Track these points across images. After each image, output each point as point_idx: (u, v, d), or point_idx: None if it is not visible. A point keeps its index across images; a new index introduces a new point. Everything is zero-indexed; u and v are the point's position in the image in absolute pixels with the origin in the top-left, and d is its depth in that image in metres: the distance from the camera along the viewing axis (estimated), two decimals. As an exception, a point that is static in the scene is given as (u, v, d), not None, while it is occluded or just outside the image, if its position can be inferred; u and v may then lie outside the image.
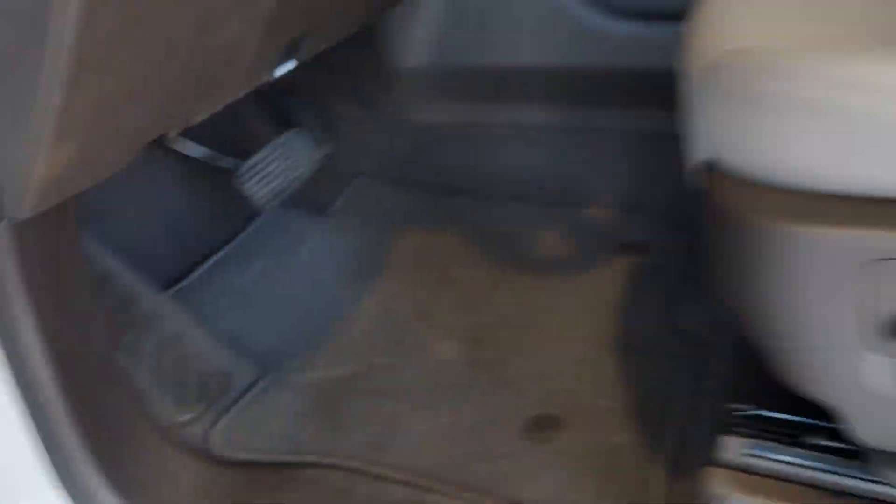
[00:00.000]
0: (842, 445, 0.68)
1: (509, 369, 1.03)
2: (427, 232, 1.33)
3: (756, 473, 0.69)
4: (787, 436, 0.70)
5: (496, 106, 1.33)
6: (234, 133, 1.22)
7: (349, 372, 1.06)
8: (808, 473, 0.68)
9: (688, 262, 1.14)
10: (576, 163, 1.31)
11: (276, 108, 1.33)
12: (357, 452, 0.92)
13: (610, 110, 1.24)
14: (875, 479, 0.66)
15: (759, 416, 0.72)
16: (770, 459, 0.69)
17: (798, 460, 0.69)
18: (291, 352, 1.10)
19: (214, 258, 1.21)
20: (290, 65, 0.91)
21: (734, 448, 0.71)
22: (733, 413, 0.74)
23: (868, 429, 0.59)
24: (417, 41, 1.30)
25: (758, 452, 0.70)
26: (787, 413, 0.72)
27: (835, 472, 0.68)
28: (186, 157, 1.12)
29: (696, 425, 0.84)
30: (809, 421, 0.71)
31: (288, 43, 0.85)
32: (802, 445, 0.69)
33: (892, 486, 0.65)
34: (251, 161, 1.14)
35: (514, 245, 1.27)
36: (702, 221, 0.64)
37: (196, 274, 1.17)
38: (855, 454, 0.67)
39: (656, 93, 1.05)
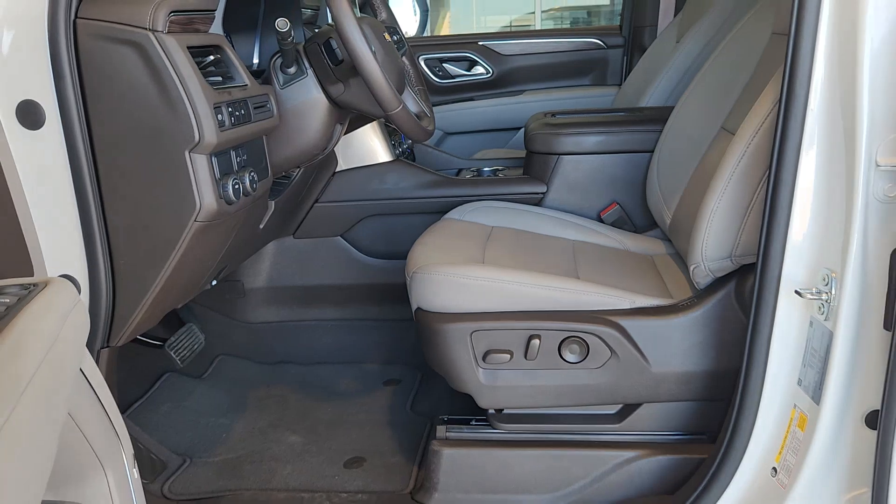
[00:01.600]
0: (484, 422, 1.63)
1: (333, 440, 1.87)
2: (268, 385, 2.17)
3: (452, 440, 1.61)
4: (464, 423, 1.64)
5: (308, 309, 2.26)
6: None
7: (237, 455, 1.84)
8: (474, 435, 1.61)
9: (420, 381, 2.10)
10: (357, 338, 2.26)
11: (171, 312, 2.15)
12: (255, 486, 1.70)
13: (371, 307, 2.23)
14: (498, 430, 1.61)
15: (451, 418, 1.66)
16: (459, 433, 1.62)
17: (469, 431, 1.62)
18: (199, 449, 1.85)
19: (140, 401, 1.96)
20: (214, 282, 1.78)
21: (443, 432, 1.63)
22: (442, 419, 1.66)
23: (482, 399, 1.54)
24: (261, 271, 2.22)
25: (453, 431, 1.63)
26: (468, 414, 1.67)
27: (486, 432, 1.62)
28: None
29: (432, 438, 1.75)
30: (471, 417, 1.65)
31: (220, 270, 1.74)
32: (471, 424, 1.63)
33: (497, 430, 1.60)
34: (171, 340, 1.94)
35: (325, 386, 2.15)
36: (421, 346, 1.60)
37: (134, 407, 1.91)
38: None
39: (396, 296, 2.05)
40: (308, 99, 1.61)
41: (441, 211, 2.07)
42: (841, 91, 1.15)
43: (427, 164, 2.33)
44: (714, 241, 1.45)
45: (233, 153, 1.43)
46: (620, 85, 3.10)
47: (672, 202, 1.84)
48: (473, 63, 3.27)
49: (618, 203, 2.09)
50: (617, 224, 2.08)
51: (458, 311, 1.54)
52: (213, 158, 1.35)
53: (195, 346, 2.01)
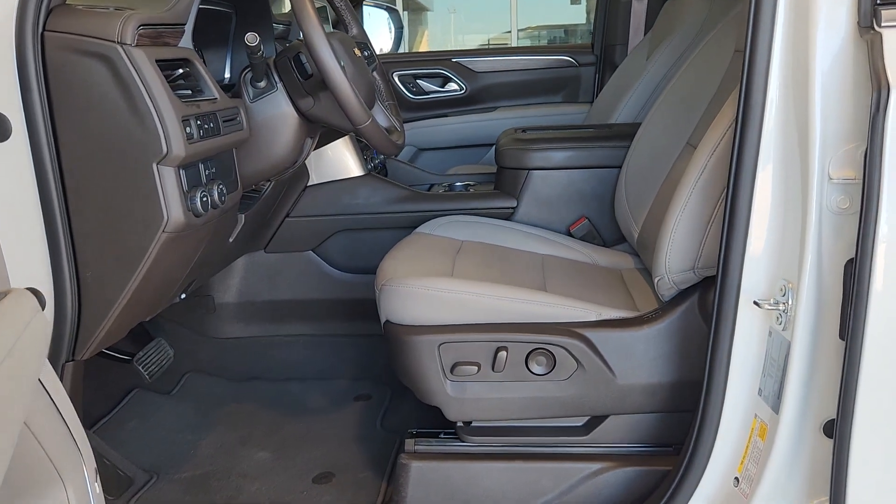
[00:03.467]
0: (453, 435, 1.63)
1: (302, 456, 1.87)
2: (237, 402, 2.16)
3: (422, 453, 1.62)
4: (434, 436, 1.65)
5: (279, 324, 2.26)
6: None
7: (205, 471, 1.82)
8: (443, 447, 1.62)
9: (391, 397, 2.10)
10: (328, 354, 2.26)
11: (139, 326, 2.14)
12: (223, 502, 1.69)
13: (342, 322, 2.23)
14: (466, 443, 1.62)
15: (420, 431, 1.66)
16: (427, 446, 1.63)
17: (438, 444, 1.63)
18: (167, 465, 1.84)
19: (107, 417, 1.94)
20: (183, 295, 1.78)
21: (411, 445, 1.63)
22: (411, 432, 1.67)
23: (450, 411, 1.55)
24: (231, 285, 2.22)
25: (422, 445, 1.63)
26: (435, 427, 1.67)
27: (455, 445, 1.62)
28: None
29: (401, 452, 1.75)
30: (440, 430, 1.66)
31: (188, 284, 1.74)
32: (440, 437, 1.64)
33: (466, 443, 1.60)
34: (139, 355, 1.93)
35: (295, 402, 2.14)
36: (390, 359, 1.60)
37: (101, 423, 1.89)
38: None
39: (367, 311, 2.05)
40: (278, 112, 1.62)
41: (412, 226, 2.08)
42: (794, 107, 1.18)
43: (399, 180, 2.34)
44: (677, 254, 1.47)
45: (201, 166, 1.43)
46: (592, 102, 3.14)
47: (639, 216, 1.87)
48: (447, 79, 3.29)
49: (587, 217, 2.11)
50: (586, 238, 2.10)
51: (426, 324, 1.55)
52: (181, 171, 1.35)
53: (164, 362, 2.00)
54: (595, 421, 1.59)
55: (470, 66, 3.28)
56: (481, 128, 3.22)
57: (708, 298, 1.47)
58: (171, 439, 1.95)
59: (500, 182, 2.20)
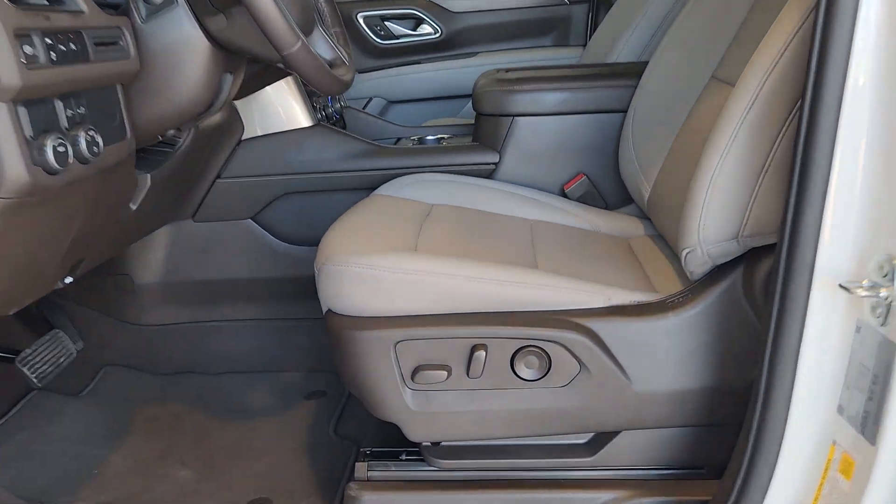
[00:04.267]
0: (416, 457, 1.26)
1: (231, 477, 1.49)
2: (162, 402, 1.77)
3: (376, 481, 1.25)
4: (393, 457, 1.28)
5: (214, 307, 1.87)
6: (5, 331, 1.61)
7: (107, 499, 1.45)
8: (404, 473, 1.25)
9: (350, 395, 1.72)
10: (273, 343, 1.87)
11: (36, 313, 1.74)
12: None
13: (291, 304, 1.84)
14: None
15: (376, 451, 1.29)
16: (384, 471, 1.26)
17: (398, 469, 1.26)
18: (59, 491, 1.46)
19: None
20: (69, 279, 1.38)
21: (362, 470, 1.26)
22: (365, 452, 1.29)
23: (412, 430, 1.18)
24: (152, 262, 1.82)
25: (377, 469, 1.26)
26: (389, 446, 1.30)
27: (420, 470, 1.25)
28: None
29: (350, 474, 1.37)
30: (402, 449, 1.29)
31: (73, 264, 1.34)
32: (401, 460, 1.27)
33: (433, 467, 1.23)
34: (26, 352, 1.54)
35: (232, 401, 1.76)
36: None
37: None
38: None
39: (308, 290, 1.67)
40: (180, 37, 1.22)
41: (372, 187, 1.69)
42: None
43: (361, 134, 1.93)
44: (714, 218, 1.09)
45: (59, 104, 1.03)
46: (585, 45, 2.74)
47: (651, 171, 1.49)
48: (420, 21, 2.88)
49: (585, 175, 1.72)
50: (584, 200, 1.72)
51: (378, 315, 1.16)
52: (19, 108, 0.95)
53: (61, 359, 1.62)
54: (602, 438, 1.22)
55: (446, 6, 2.87)
56: (460, 76, 2.81)
57: (756, 277, 1.09)
58: (70, 455, 1.56)
59: (478, 133, 1.80)
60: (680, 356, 1.13)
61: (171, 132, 1.41)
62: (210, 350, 1.87)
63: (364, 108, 2.65)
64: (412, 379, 1.15)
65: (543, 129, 1.72)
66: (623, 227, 1.59)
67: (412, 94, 2.86)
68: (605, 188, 1.73)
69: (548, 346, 1.13)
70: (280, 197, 1.79)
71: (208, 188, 1.76)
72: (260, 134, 1.77)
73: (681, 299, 1.15)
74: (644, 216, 1.64)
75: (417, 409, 1.17)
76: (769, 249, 1.08)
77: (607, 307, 1.16)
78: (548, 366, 1.14)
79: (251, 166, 1.76)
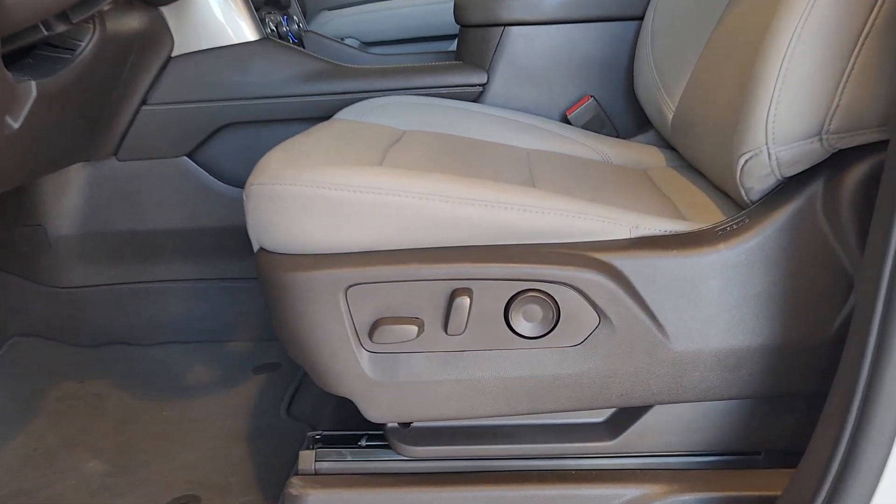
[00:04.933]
0: (380, 442, 0.96)
1: (153, 470, 1.19)
2: (80, 380, 1.46)
3: (326, 474, 0.94)
4: (350, 443, 0.97)
5: (145, 265, 1.55)
6: None
7: (5, 493, 1.14)
8: (364, 464, 0.95)
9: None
10: (217, 306, 1.56)
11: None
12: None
13: (236, 260, 1.53)
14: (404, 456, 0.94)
15: (328, 435, 0.98)
16: (338, 461, 0.95)
17: (356, 458, 0.95)
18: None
19: None
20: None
21: (308, 460, 0.95)
22: (315, 436, 0.99)
23: (372, 408, 0.87)
24: (69, 210, 1.50)
25: (327, 459, 0.95)
26: (348, 429, 0.99)
27: (384, 460, 0.95)
28: None
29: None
30: (362, 432, 0.98)
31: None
32: (360, 447, 0.96)
33: (402, 456, 0.93)
34: None
35: (164, 378, 1.45)
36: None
37: None
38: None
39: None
40: None
41: (332, 115, 1.38)
42: None
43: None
44: (789, 110, 0.78)
45: None
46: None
47: (675, 87, 1.19)
48: (396, -49, 2.55)
49: (592, 97, 1.41)
50: (591, 127, 1.41)
51: (324, 251, 0.85)
52: None
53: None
54: (627, 415, 0.92)
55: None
56: (444, 13, 2.49)
57: (842, 191, 0.79)
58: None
59: (462, 48, 1.49)
60: (734, 303, 0.83)
61: (63, 28, 1.09)
62: (141, 316, 1.56)
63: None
64: (370, 337, 0.85)
65: (541, 40, 1.41)
66: (639, 158, 1.29)
67: (389, 34, 2.53)
68: (617, 112, 1.42)
69: (555, 291, 0.83)
70: (221, 128, 1.47)
71: (132, 117, 1.44)
72: (194, 50, 1.44)
73: (734, 227, 0.84)
74: (665, 145, 1.34)
75: (377, 379, 0.86)
76: (863, 152, 0.78)
77: (635, 238, 0.85)
78: (555, 317, 0.84)
79: (184, 90, 1.44)
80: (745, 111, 0.82)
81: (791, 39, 0.77)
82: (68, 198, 1.50)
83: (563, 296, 0.83)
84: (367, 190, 0.84)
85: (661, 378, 0.85)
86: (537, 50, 1.41)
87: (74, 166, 1.47)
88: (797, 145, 0.79)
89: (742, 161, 0.83)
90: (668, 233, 0.85)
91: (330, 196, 0.84)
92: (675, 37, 1.25)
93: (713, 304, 0.83)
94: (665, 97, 1.25)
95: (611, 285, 0.82)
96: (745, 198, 0.86)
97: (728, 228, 0.84)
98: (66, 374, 1.47)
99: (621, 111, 1.42)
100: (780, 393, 0.86)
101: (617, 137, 1.40)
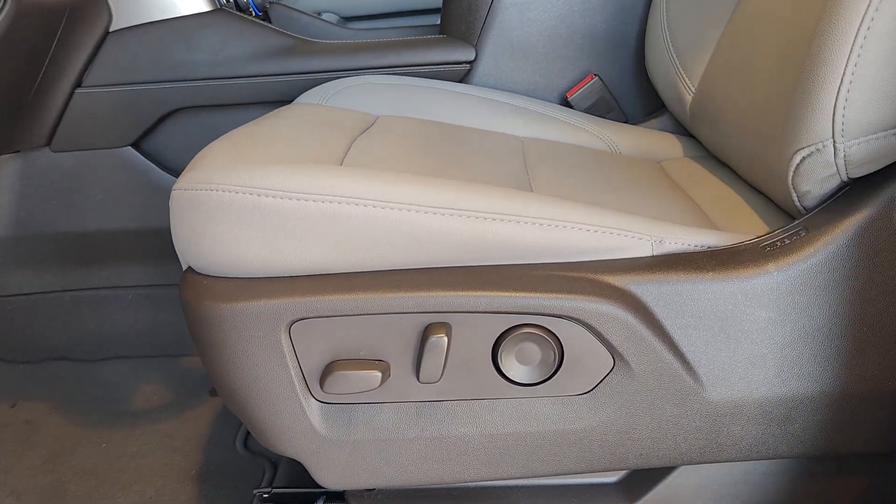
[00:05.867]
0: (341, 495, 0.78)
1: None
2: (12, 404, 1.28)
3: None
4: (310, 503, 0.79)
5: (88, 270, 1.37)
6: None
7: None
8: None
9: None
10: (170, 317, 1.38)
11: None
12: None
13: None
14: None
15: (278, 493, 0.80)
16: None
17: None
18: None
19: None
20: None
21: (254, 527, 0.77)
22: (257, 494, 0.81)
23: (325, 471, 0.69)
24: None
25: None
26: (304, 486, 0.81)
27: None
28: None
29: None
30: (320, 490, 0.80)
31: None
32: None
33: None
34: None
35: (108, 400, 1.27)
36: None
37: None
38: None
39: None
40: None
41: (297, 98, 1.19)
42: None
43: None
44: (868, 92, 0.60)
45: None
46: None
47: (696, 65, 1.01)
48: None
49: (596, 75, 1.22)
50: (595, 110, 1.22)
51: (262, 274, 0.67)
52: None
53: None
54: (646, 476, 0.74)
55: None
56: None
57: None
58: None
59: (447, 21, 1.29)
60: (786, 340, 0.65)
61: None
62: (84, 328, 1.37)
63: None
64: (321, 385, 0.66)
65: (538, 10, 1.21)
66: (652, 147, 1.11)
67: (373, 7, 2.33)
68: (625, 94, 1.23)
69: (557, 326, 0.64)
70: (170, 114, 1.28)
71: (65, 101, 1.24)
72: (136, 23, 1.25)
73: (787, 241, 0.66)
74: (682, 131, 1.16)
75: (331, 436, 0.68)
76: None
77: (659, 257, 0.67)
78: (557, 359, 0.66)
79: (125, 71, 1.24)
80: (802, 96, 0.63)
81: (870, 3, 0.59)
82: (-3, 194, 1.31)
83: (567, 332, 0.65)
84: (316, 197, 0.65)
85: (691, 434, 0.67)
86: (533, 22, 1.21)
87: (1, 158, 1.28)
88: (873, 139, 0.60)
89: (797, 159, 0.64)
90: (700, 248, 0.67)
91: (268, 205, 0.65)
92: (696, 4, 1.07)
93: (759, 342, 0.64)
94: (683, 76, 1.06)
95: (628, 318, 0.64)
96: (798, 204, 0.68)
97: (778, 244, 0.66)
98: (-4, 396, 1.29)
99: (630, 92, 1.23)
100: (842, 452, 0.68)
101: (625, 123, 1.21)
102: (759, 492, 0.72)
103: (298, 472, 0.91)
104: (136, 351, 1.37)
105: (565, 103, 1.23)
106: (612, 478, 0.75)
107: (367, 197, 0.65)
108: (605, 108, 1.22)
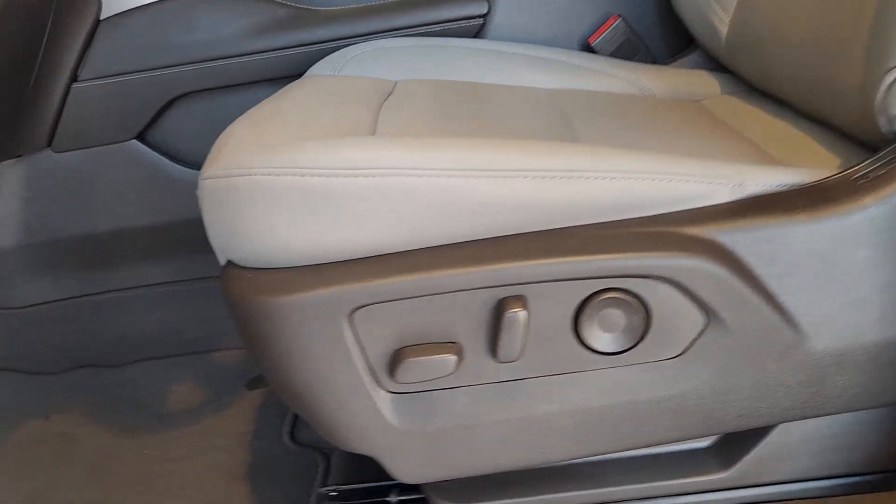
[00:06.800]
0: (416, 496, 0.73)
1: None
2: (46, 416, 1.23)
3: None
4: (375, 497, 0.75)
5: (107, 272, 1.31)
6: None
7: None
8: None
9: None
10: (198, 313, 1.32)
11: None
12: None
13: (215, 257, 1.28)
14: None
15: (346, 490, 0.76)
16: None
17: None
18: None
19: None
20: None
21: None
22: (324, 493, 0.76)
23: (402, 465, 0.64)
24: (7, 217, 1.25)
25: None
26: (373, 481, 0.77)
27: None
28: None
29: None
30: (391, 482, 0.76)
31: None
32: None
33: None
34: None
35: (142, 405, 1.22)
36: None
37: None
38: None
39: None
40: None
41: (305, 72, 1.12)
42: None
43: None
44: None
45: None
46: None
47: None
48: None
49: (620, 16, 1.16)
50: (621, 53, 1.16)
51: (315, 261, 0.61)
52: None
53: None
54: (741, 437, 0.70)
55: None
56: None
57: None
58: None
59: (454, -26, 1.22)
60: (890, 278, 0.60)
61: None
62: (107, 333, 1.32)
63: None
64: (391, 374, 0.61)
65: (552, -47, 1.15)
66: (688, 87, 1.05)
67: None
68: (651, 33, 1.17)
69: (643, 288, 0.59)
70: (173, 101, 1.22)
71: (62, 99, 1.18)
72: (127, 7, 1.18)
73: (881, 171, 0.60)
74: (716, 67, 1.09)
75: (406, 428, 0.63)
76: None
77: (742, 201, 0.61)
78: (644, 324, 0.61)
79: (121, 60, 1.18)
80: (889, 4, 0.57)
81: None
82: (2, 202, 1.25)
83: (653, 293, 0.59)
84: (366, 171, 0.59)
85: (794, 389, 0.62)
86: (548, -35, 1.15)
87: (2, 164, 1.22)
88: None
89: (890, 78, 0.59)
90: (786, 187, 0.62)
91: (315, 185, 0.60)
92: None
93: (863, 283, 0.59)
94: (715, 7, 1.00)
95: (720, 271, 0.58)
96: (888, 128, 0.62)
97: (871, 175, 0.60)
98: (27, 410, 1.24)
99: (656, 31, 1.16)
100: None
101: (654, 64, 1.15)
102: (863, 442, 0.68)
103: (357, 462, 0.87)
104: (164, 351, 1.33)
105: (588, 49, 1.16)
106: (704, 442, 0.71)
107: (420, 166, 0.60)
108: (632, 50, 1.15)
